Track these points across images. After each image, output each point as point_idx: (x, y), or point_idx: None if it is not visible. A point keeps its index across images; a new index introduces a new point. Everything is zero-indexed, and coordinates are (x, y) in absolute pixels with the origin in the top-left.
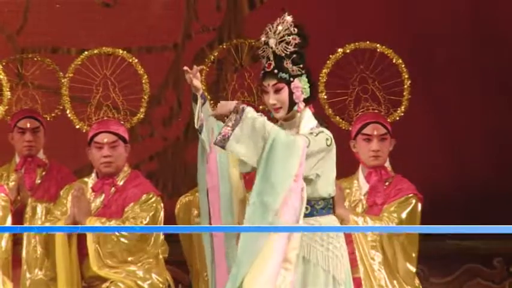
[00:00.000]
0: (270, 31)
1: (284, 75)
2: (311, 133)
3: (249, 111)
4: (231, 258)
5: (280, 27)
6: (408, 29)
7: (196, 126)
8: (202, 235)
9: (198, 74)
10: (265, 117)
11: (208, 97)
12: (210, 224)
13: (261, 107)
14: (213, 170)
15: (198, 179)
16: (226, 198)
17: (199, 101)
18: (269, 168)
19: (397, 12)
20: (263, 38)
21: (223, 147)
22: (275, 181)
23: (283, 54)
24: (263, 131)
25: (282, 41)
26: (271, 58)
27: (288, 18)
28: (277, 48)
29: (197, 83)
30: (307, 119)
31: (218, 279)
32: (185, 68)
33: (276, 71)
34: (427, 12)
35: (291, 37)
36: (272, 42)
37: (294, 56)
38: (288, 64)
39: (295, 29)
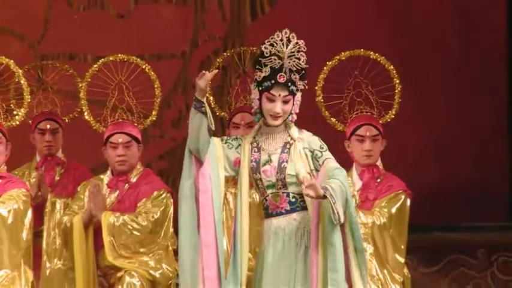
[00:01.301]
0: (278, 45)
1: (294, 88)
2: (322, 147)
3: (332, 184)
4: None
5: (290, 44)
6: (399, 39)
7: (213, 128)
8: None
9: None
10: (331, 180)
11: (214, 100)
12: (198, 229)
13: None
14: (205, 174)
15: (182, 186)
16: (218, 201)
17: (206, 104)
18: (353, 209)
19: (389, 23)
20: (269, 49)
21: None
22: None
23: (294, 69)
24: (344, 191)
25: (291, 56)
26: (285, 71)
27: (293, 35)
28: (288, 63)
29: (207, 87)
30: (293, 125)
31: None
32: (204, 71)
33: (289, 84)
34: (417, 23)
35: (300, 53)
36: (286, 56)
37: (303, 71)
38: (296, 78)
39: (305, 47)
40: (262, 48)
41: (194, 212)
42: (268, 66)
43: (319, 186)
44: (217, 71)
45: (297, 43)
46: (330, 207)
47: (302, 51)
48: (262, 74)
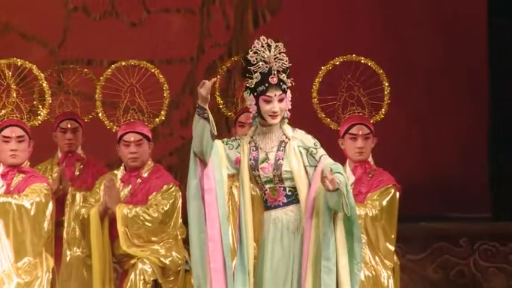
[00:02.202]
0: (261, 51)
1: (285, 86)
2: (316, 144)
3: (341, 178)
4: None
5: (272, 48)
6: (388, 45)
7: (215, 133)
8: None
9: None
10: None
11: (222, 101)
12: (206, 225)
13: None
14: (209, 174)
15: (189, 186)
16: (222, 199)
17: (208, 111)
18: (352, 199)
19: (380, 31)
20: (254, 57)
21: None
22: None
23: (281, 69)
24: (345, 184)
25: (276, 58)
26: (274, 73)
27: (271, 40)
28: (275, 65)
29: (208, 95)
30: (287, 124)
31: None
32: (204, 81)
33: (281, 83)
34: (405, 31)
35: (281, 54)
36: (272, 59)
37: (288, 70)
38: (284, 77)
39: (284, 48)
40: (248, 58)
41: (201, 210)
42: (258, 72)
43: (335, 181)
44: (215, 79)
45: (277, 46)
46: (342, 199)
47: (283, 52)
48: (254, 81)
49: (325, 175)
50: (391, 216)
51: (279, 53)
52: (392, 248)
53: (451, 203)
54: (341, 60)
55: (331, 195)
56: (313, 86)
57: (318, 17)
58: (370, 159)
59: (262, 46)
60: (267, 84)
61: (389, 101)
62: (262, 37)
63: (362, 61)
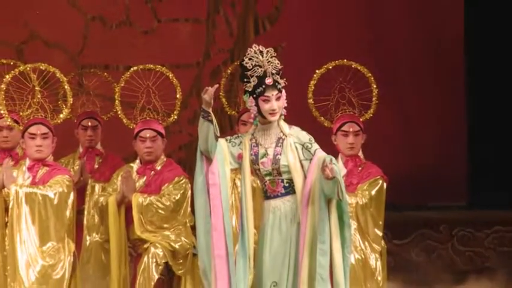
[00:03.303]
0: (255, 57)
1: (280, 86)
2: (310, 140)
3: (336, 168)
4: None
5: (264, 53)
6: (377, 50)
7: (218, 134)
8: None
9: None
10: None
11: (226, 102)
12: (211, 216)
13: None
14: (214, 170)
15: (195, 182)
16: (226, 193)
17: (212, 114)
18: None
19: (369, 38)
20: (250, 63)
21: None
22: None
23: (274, 71)
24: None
25: (269, 62)
26: (269, 75)
27: (262, 46)
28: (269, 68)
29: (212, 100)
30: (284, 122)
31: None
32: (207, 88)
33: (276, 83)
34: (392, 39)
35: (273, 58)
36: (265, 63)
37: (280, 71)
38: (278, 78)
39: (275, 53)
40: (244, 64)
41: (206, 203)
42: (255, 76)
43: (334, 170)
44: (217, 85)
45: (268, 51)
46: (337, 187)
47: (274, 56)
48: (252, 84)
49: (325, 164)
50: (379, 205)
51: (271, 57)
52: (380, 233)
53: (432, 194)
54: (334, 64)
55: (328, 183)
56: (309, 88)
57: (312, 26)
58: (360, 153)
59: (255, 52)
60: (264, 86)
61: (377, 102)
62: (254, 45)
63: (353, 65)
